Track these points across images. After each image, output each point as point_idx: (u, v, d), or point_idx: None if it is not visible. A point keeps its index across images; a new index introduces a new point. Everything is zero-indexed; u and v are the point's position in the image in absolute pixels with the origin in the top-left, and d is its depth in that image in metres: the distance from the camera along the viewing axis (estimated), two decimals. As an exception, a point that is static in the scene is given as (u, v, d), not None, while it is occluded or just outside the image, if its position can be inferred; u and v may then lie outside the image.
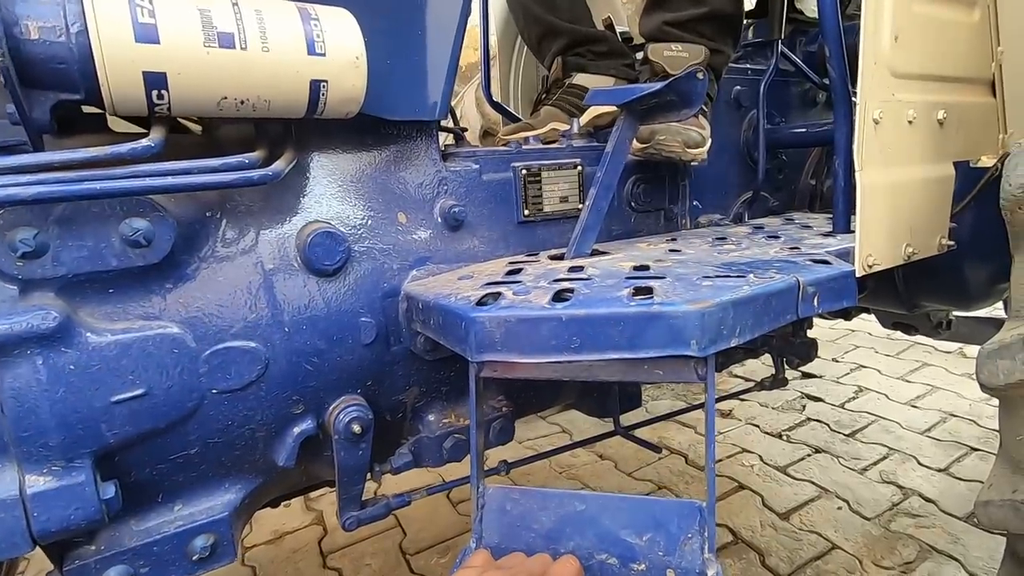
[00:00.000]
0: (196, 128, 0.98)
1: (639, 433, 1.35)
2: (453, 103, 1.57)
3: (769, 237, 1.12)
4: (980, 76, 1.17)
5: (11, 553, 0.63)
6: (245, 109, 0.71)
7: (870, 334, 3.17)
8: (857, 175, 0.95)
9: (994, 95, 1.19)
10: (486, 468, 1.04)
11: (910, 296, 1.53)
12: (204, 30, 0.64)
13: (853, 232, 0.94)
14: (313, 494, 2.03)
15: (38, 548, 0.66)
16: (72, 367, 0.65)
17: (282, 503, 1.12)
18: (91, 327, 0.68)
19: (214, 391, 0.76)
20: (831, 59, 1.05)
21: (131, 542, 0.74)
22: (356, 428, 0.85)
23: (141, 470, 0.74)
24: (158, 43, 0.62)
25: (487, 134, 2.23)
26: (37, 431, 0.64)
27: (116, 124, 0.86)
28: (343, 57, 0.74)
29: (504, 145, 1.20)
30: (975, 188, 1.21)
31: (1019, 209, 0.79)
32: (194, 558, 0.78)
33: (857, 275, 0.90)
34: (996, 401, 0.88)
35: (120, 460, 0.72)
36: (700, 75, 0.90)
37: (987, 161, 1.21)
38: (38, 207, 0.63)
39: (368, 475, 0.95)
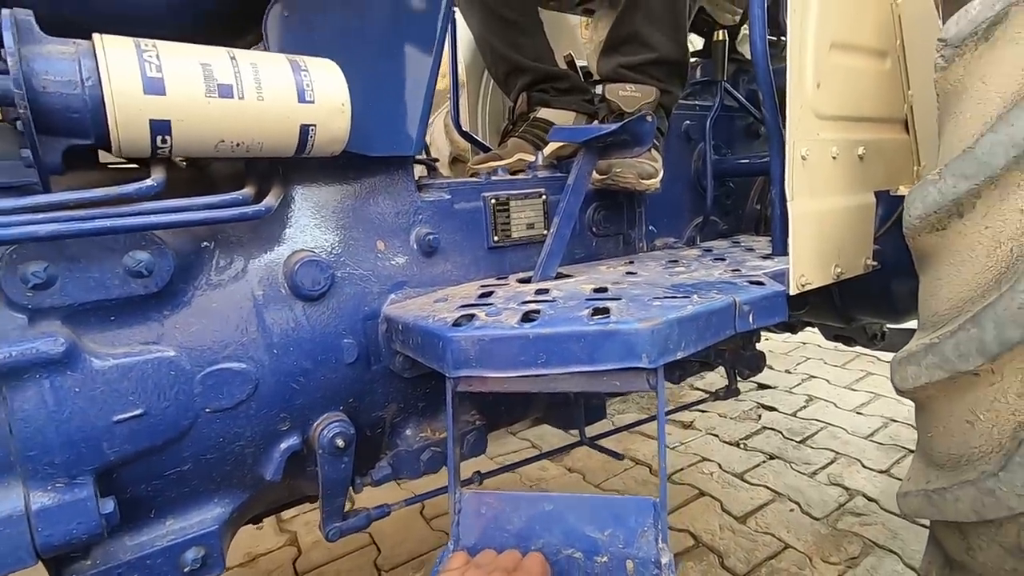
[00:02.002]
0: (181, 164, 1.04)
1: (604, 443, 1.44)
2: (424, 132, 1.65)
3: (716, 259, 1.24)
4: (894, 116, 1.33)
5: (15, 567, 0.67)
6: (240, 151, 0.78)
7: (819, 346, 3.37)
8: (789, 204, 1.07)
9: (908, 132, 1.35)
10: (461, 479, 1.10)
11: (847, 311, 1.67)
12: (206, 82, 0.71)
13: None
14: (286, 514, 2.04)
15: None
16: (77, 390, 0.70)
17: (263, 519, 1.16)
18: (94, 352, 0.73)
19: (207, 410, 0.81)
20: (764, 101, 1.18)
21: (125, 556, 0.78)
22: (339, 443, 0.91)
23: (137, 486, 0.79)
24: (164, 94, 0.69)
25: (456, 161, 2.32)
26: (43, 450, 0.69)
27: (105, 158, 0.92)
28: (330, 103, 0.82)
29: (474, 175, 1.29)
30: (895, 214, 1.36)
31: (919, 236, 0.92)
32: (185, 570, 0.82)
33: (791, 293, 1.02)
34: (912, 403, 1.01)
35: (118, 477, 0.77)
36: (649, 118, 1.01)
37: (904, 190, 1.37)
38: (50, 242, 0.69)
39: (350, 487, 1.00)
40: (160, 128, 0.70)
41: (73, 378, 0.70)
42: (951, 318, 0.89)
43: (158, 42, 0.70)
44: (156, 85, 0.68)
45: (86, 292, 0.72)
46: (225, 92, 0.73)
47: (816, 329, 2.03)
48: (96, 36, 0.67)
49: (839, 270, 1.18)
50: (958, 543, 0.97)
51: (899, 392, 0.97)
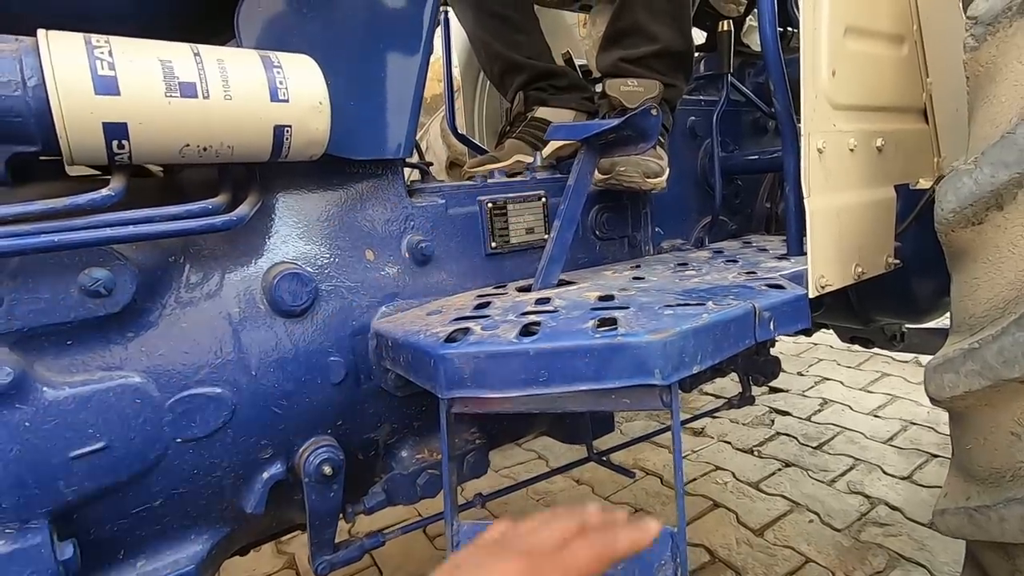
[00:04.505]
0: (157, 171, 0.97)
1: (614, 457, 1.36)
2: (418, 135, 1.59)
3: (728, 261, 1.16)
4: (913, 105, 1.26)
5: (-40, 624, 0.60)
6: (208, 156, 0.71)
7: (831, 347, 3.27)
8: (805, 201, 1.00)
9: (927, 122, 1.27)
10: (461, 502, 1.03)
11: (864, 311, 1.60)
12: (165, 80, 0.65)
13: (806, 254, 0.99)
14: (284, 537, 1.96)
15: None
16: (27, 424, 0.63)
17: (251, 550, 1.09)
18: (48, 381, 0.66)
19: (179, 440, 0.74)
20: (775, 92, 1.11)
21: (90, 604, 0.71)
22: (327, 470, 0.84)
23: (101, 526, 0.72)
24: (118, 95, 0.62)
25: (453, 165, 2.26)
26: (-11, 493, 0.62)
27: (73, 168, 0.85)
28: (306, 102, 0.75)
29: (469, 178, 1.22)
30: (915, 209, 1.28)
31: (952, 231, 0.85)
32: (159, 616, 0.75)
33: (810, 296, 0.95)
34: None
35: (79, 517, 0.70)
36: (654, 112, 0.94)
37: (925, 184, 1.29)
38: (-9, 260, 0.62)
39: (340, 516, 0.93)
40: (115, 132, 0.63)
41: (23, 411, 0.63)
42: (991, 320, 0.82)
43: (111, 38, 0.64)
44: (108, 84, 0.61)
45: (37, 315, 0.65)
46: (188, 91, 0.66)
47: (830, 330, 1.95)
48: (41, 32, 0.61)
49: (860, 269, 1.11)
50: (1002, 565, 0.88)
51: (934, 402, 0.89)
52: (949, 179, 0.83)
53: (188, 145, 0.69)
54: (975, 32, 0.83)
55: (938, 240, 0.91)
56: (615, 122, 0.93)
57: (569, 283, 1.04)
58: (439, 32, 1.77)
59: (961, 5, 1.14)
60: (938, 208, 0.84)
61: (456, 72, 2.12)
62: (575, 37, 2.23)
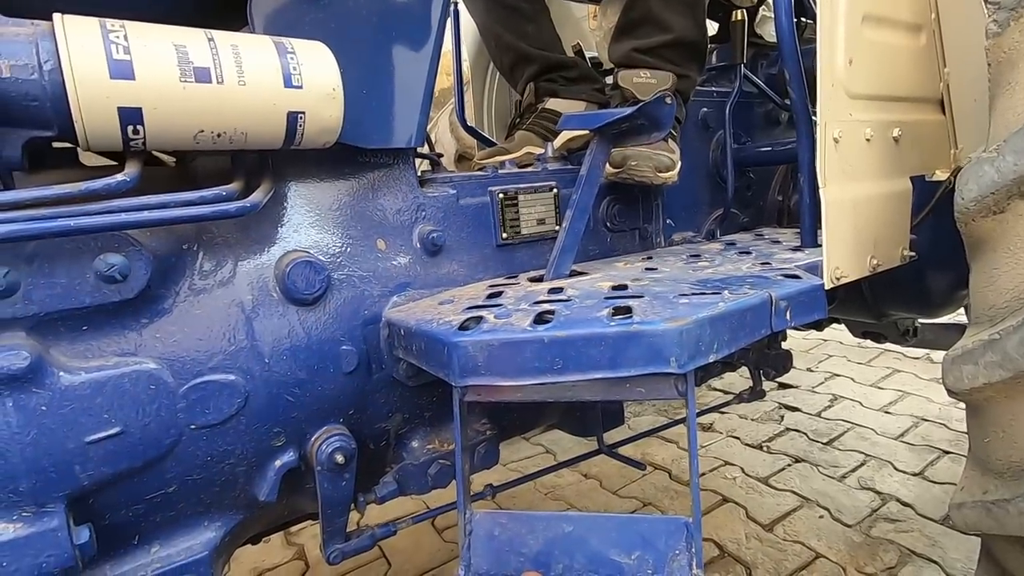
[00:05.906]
0: (169, 160, 0.97)
1: (623, 450, 1.36)
2: (427, 128, 1.59)
3: (741, 253, 1.15)
4: (930, 95, 1.24)
5: (-23, 606, 0.60)
6: (222, 142, 0.71)
7: (842, 343, 3.25)
8: (821, 191, 0.99)
9: (943, 113, 1.26)
10: (472, 493, 1.03)
11: (877, 306, 1.58)
12: (180, 65, 0.65)
13: (820, 246, 0.98)
14: (294, 528, 1.98)
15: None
16: (44, 408, 0.64)
17: (262, 539, 1.09)
18: (64, 366, 0.66)
19: (193, 427, 0.74)
20: (791, 82, 1.10)
21: (106, 588, 0.72)
22: (339, 458, 0.84)
23: (116, 512, 0.72)
24: (133, 79, 0.62)
25: (462, 158, 2.26)
26: (6, 477, 0.62)
27: (87, 157, 0.86)
28: (320, 89, 0.75)
29: (480, 169, 1.22)
30: (932, 201, 1.27)
31: (973, 221, 0.83)
32: (173, 601, 0.75)
33: (826, 288, 0.94)
34: (964, 405, 0.92)
35: (95, 502, 0.70)
36: (668, 100, 0.93)
37: (941, 175, 1.27)
38: (8, 245, 0.62)
39: (352, 506, 0.93)
40: (130, 117, 0.63)
41: (40, 395, 0.63)
42: (1011, 311, 0.81)
43: (126, 22, 0.64)
44: (124, 69, 0.61)
45: (53, 300, 0.65)
46: (202, 76, 0.66)
47: (840, 325, 1.93)
48: (56, 16, 0.61)
49: (875, 262, 1.10)
50: (1020, 560, 0.87)
51: (951, 394, 0.88)
52: (970, 168, 0.82)
53: (203, 131, 0.69)
54: (998, 17, 0.81)
55: (953, 233, 0.89)
56: (628, 111, 0.92)
57: (581, 273, 1.03)
58: (449, 24, 1.76)
59: (980, -6, 1.12)
60: (958, 197, 0.83)
61: (465, 66, 2.11)
62: (584, 30, 2.22)
